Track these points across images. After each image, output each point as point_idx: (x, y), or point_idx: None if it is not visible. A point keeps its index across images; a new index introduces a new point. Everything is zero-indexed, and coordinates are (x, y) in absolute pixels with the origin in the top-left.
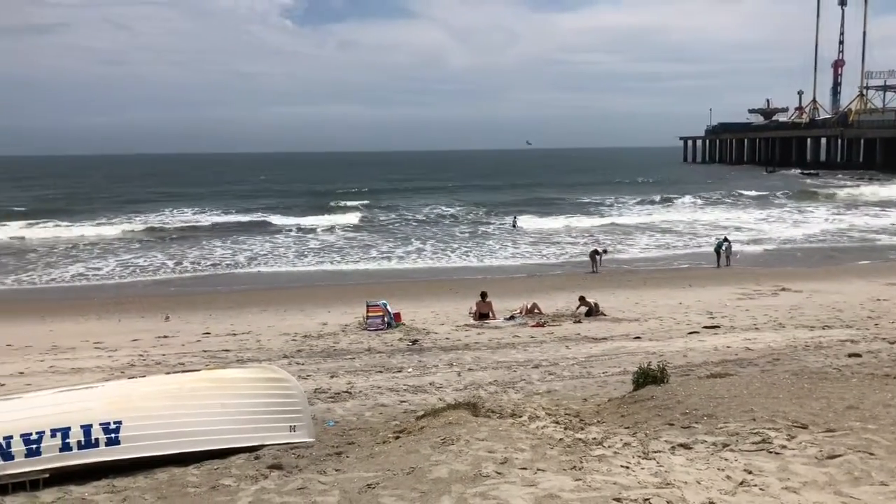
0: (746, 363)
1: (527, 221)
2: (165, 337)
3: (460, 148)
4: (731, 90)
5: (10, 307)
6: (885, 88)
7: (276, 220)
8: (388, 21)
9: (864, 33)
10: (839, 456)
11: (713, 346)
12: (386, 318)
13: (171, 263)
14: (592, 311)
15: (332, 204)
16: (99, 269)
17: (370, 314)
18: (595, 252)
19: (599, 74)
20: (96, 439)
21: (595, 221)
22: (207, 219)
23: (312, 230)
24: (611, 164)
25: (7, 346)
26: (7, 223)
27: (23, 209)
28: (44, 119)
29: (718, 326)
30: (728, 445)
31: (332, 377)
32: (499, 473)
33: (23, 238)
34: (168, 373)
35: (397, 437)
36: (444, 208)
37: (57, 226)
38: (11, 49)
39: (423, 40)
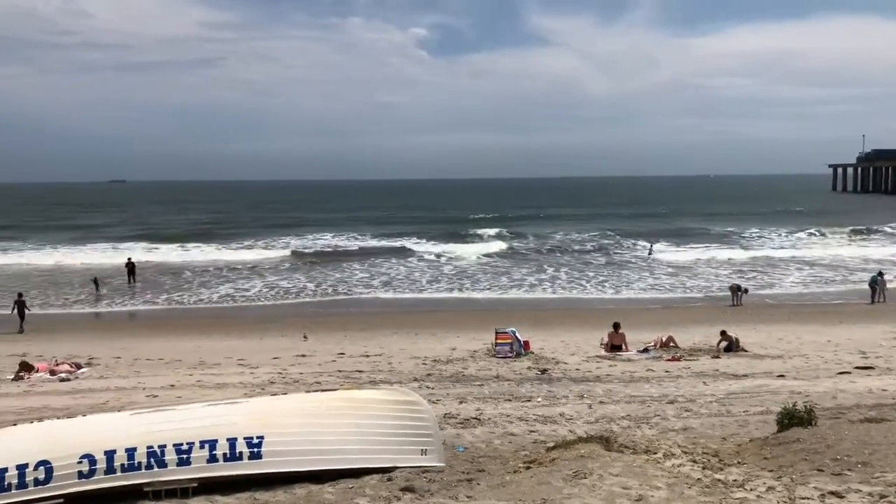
0: None
1: (664, 251)
2: (303, 356)
3: (593, 175)
4: (886, 115)
5: (162, 324)
6: None
7: (414, 245)
8: (521, 50)
9: None
10: None
11: (866, 388)
12: (514, 346)
13: (311, 286)
14: (732, 347)
15: (468, 232)
16: (246, 290)
17: (499, 341)
18: (737, 287)
19: (738, 99)
20: (240, 452)
21: (736, 253)
22: (347, 243)
23: (447, 256)
24: (752, 192)
25: (159, 360)
26: (165, 245)
27: (178, 231)
28: (196, 146)
29: (872, 367)
30: (886, 497)
31: (461, 403)
32: None
33: (179, 260)
34: (307, 391)
35: (528, 468)
36: (576, 235)
37: (218, 248)
38: (176, 82)
39: (557, 68)
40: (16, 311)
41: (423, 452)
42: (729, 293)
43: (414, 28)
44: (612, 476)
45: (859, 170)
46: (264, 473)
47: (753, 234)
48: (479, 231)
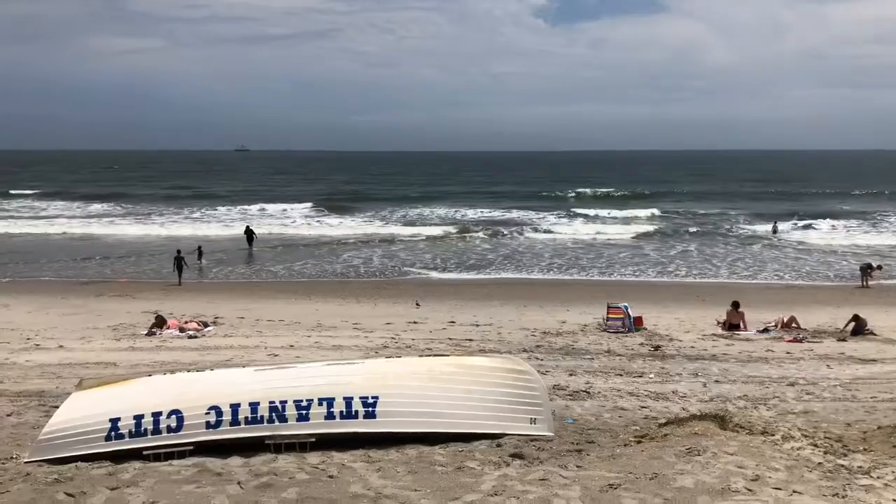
0: None
1: (790, 231)
2: (415, 322)
3: (713, 148)
4: None
5: (284, 287)
6: None
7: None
8: (640, 17)
9: None
10: None
11: None
12: (626, 322)
13: (428, 257)
14: (861, 330)
15: (575, 211)
16: (370, 258)
17: (611, 315)
18: (868, 266)
19: (877, 68)
20: (356, 411)
21: (868, 236)
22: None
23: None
24: (890, 168)
25: (280, 321)
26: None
27: (309, 205)
28: (316, 117)
29: None
30: None
31: (570, 375)
32: (749, 490)
33: (311, 232)
34: (420, 356)
35: (639, 442)
36: (702, 212)
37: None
38: (293, 54)
39: (677, 35)
40: (175, 266)
41: (533, 421)
42: (859, 273)
43: None
44: (728, 455)
45: None
46: (378, 433)
47: (885, 214)
48: (631, 212)
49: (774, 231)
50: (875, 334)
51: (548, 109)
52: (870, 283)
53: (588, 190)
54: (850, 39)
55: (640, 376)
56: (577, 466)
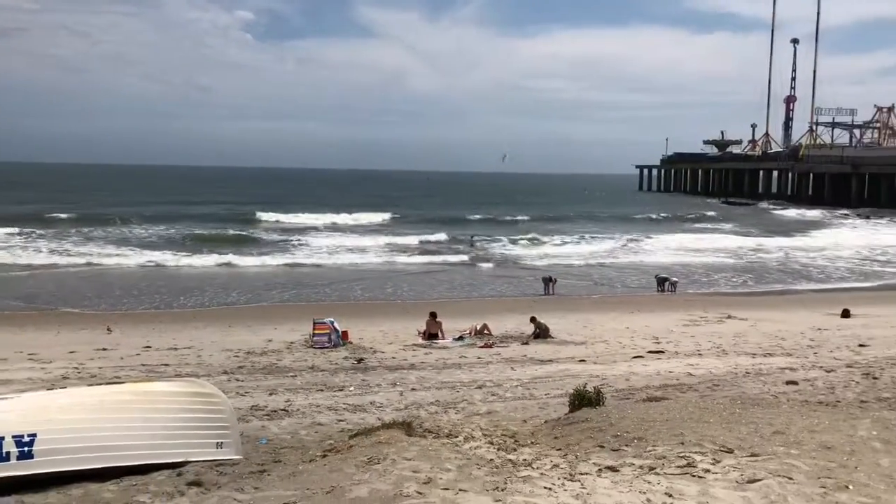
0: (687, 388)
1: (490, 244)
2: (104, 349)
3: (419, 168)
4: (687, 121)
5: None
6: (833, 125)
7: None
8: (348, 40)
9: (815, 71)
10: (759, 480)
11: (656, 370)
12: (333, 337)
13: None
14: (541, 334)
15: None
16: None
17: (317, 332)
18: (548, 278)
19: (560, 102)
20: (7, 452)
21: (556, 248)
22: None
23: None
24: (565, 189)
25: None
26: None
27: None
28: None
29: (663, 351)
30: (654, 469)
31: (270, 394)
32: (420, 493)
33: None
34: (97, 385)
35: (324, 456)
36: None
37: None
38: None
39: (385, 60)
40: None
41: (219, 445)
42: (542, 284)
43: (239, 10)
44: (406, 460)
45: (662, 171)
46: (37, 474)
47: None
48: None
49: (472, 244)
50: (553, 337)
51: (257, 125)
52: (551, 292)
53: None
54: (536, 73)
55: (341, 390)
56: (255, 488)
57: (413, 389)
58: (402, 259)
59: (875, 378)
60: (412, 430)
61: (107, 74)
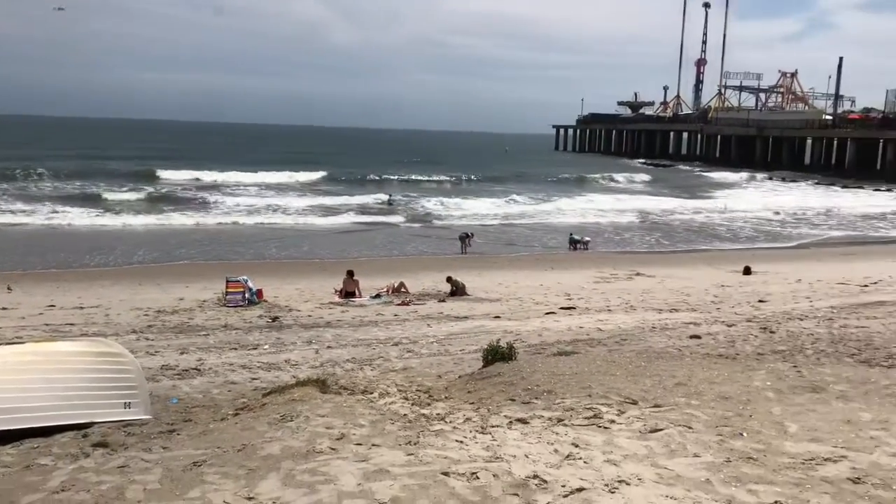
0: (596, 343)
1: (409, 203)
2: (4, 309)
3: (335, 125)
4: (603, 83)
5: None
6: (740, 89)
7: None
8: None
9: (725, 35)
10: (661, 430)
11: (567, 326)
12: (247, 295)
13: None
14: (458, 291)
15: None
16: None
17: (230, 290)
18: (465, 235)
19: (479, 59)
20: None
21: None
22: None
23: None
24: (482, 148)
25: None
26: None
27: None
28: None
29: (574, 308)
30: (562, 420)
31: (181, 353)
32: (333, 449)
33: None
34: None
35: (237, 415)
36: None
37: None
38: None
39: (304, 12)
40: None
41: (127, 406)
42: (459, 242)
43: None
44: (319, 417)
45: (578, 131)
46: None
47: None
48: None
49: (389, 202)
50: (469, 294)
51: (167, 76)
52: (467, 250)
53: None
54: (456, 30)
55: (255, 348)
56: (163, 448)
57: (329, 347)
58: (321, 218)
59: (772, 332)
60: (327, 387)
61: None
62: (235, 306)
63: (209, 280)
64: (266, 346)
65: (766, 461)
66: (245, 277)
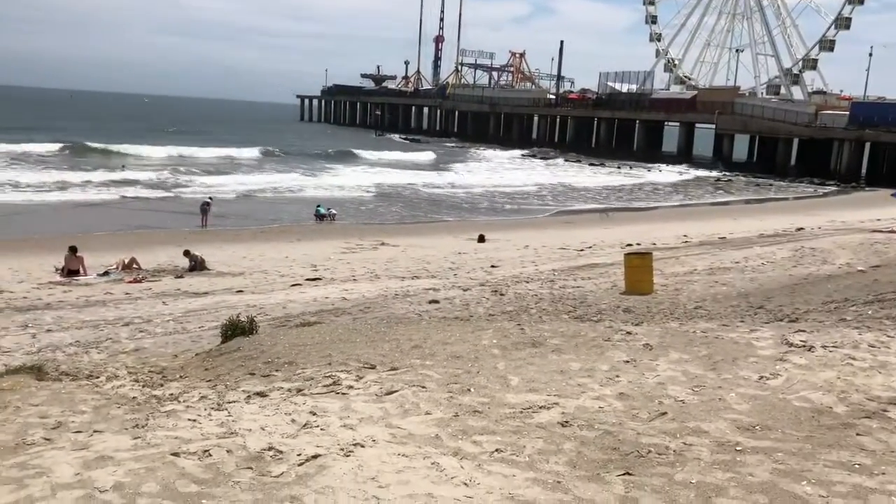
0: (341, 312)
1: (144, 174)
2: None
3: (60, 87)
4: (350, 55)
5: None
6: (475, 67)
7: None
8: None
9: (460, 14)
10: (396, 391)
11: (313, 297)
12: None
13: None
14: (197, 266)
15: None
16: None
17: None
18: (206, 204)
19: (221, 24)
20: None
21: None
22: None
23: None
24: (225, 117)
25: None
26: None
27: None
28: None
29: (320, 278)
30: (302, 390)
31: None
32: (47, 440)
33: None
34: None
35: None
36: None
37: None
38: None
39: None
40: None
41: None
42: (199, 213)
43: None
44: (32, 406)
45: (323, 102)
46: None
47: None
48: None
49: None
50: (209, 269)
51: None
52: (207, 223)
53: None
54: None
55: None
56: None
57: (49, 331)
58: (43, 193)
59: (502, 294)
60: (44, 374)
61: None
62: None
63: None
64: None
65: (490, 413)
66: None
